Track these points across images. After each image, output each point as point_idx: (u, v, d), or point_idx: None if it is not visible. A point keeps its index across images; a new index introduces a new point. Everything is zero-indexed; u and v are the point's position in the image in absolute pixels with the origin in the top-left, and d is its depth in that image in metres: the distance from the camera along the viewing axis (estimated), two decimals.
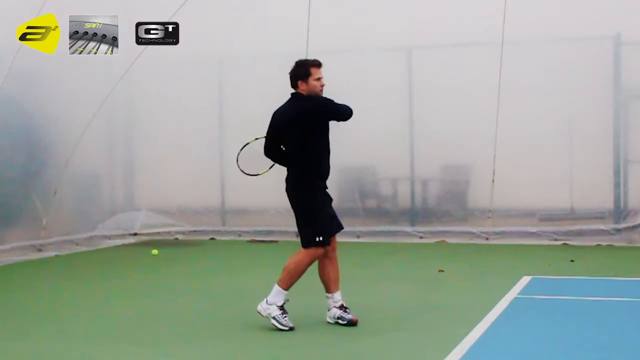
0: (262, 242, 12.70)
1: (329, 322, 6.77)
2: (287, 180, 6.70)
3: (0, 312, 7.75)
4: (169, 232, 13.73)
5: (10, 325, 7.12)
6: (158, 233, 13.65)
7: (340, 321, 6.70)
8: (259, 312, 6.64)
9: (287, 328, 6.52)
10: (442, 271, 9.44)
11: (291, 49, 12.92)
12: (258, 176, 7.10)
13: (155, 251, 11.50)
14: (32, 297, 8.46)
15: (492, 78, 12.08)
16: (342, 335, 6.48)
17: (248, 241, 12.81)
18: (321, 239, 6.48)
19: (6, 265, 10.63)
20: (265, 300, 6.64)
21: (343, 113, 6.60)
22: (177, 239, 13.54)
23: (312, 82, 6.56)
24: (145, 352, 6.16)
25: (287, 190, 6.69)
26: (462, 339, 6.12)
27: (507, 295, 7.80)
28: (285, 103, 6.73)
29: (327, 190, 6.74)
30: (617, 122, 11.97)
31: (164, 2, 12.21)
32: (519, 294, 7.95)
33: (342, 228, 6.78)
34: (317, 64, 6.58)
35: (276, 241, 12.64)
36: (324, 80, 6.64)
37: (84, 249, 12.30)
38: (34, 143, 12.00)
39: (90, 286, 9.11)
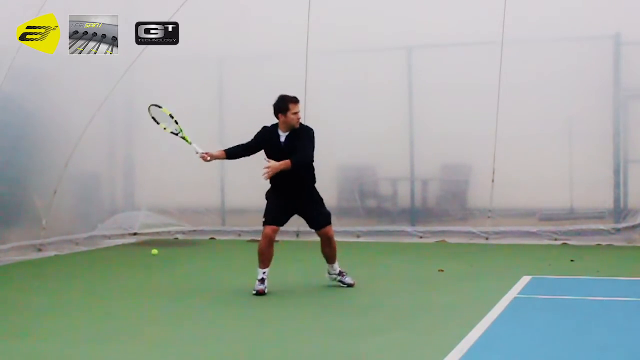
0: None
1: (329, 280, 8.52)
2: None
3: (0, 312, 7.75)
4: (169, 232, 13.72)
5: (10, 325, 7.12)
6: (158, 233, 13.65)
7: (341, 284, 8.43)
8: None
9: (255, 292, 8.02)
10: (443, 271, 9.44)
11: (291, 49, 12.99)
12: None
13: (155, 251, 11.49)
14: (32, 297, 8.46)
15: (492, 78, 12.08)
16: (342, 335, 6.48)
17: (248, 241, 12.77)
18: (264, 219, 8.16)
19: (6, 265, 10.63)
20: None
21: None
22: (177, 239, 13.54)
23: (290, 115, 7.94)
24: (146, 352, 6.16)
25: None
26: (462, 339, 6.12)
27: (507, 295, 7.80)
28: None
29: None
30: (617, 122, 11.96)
31: (164, 2, 12.22)
32: (519, 294, 7.95)
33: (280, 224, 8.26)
34: (296, 101, 7.98)
35: (277, 241, 12.60)
36: (300, 115, 8.01)
37: (84, 249, 12.30)
38: (34, 143, 11.99)
39: (90, 286, 9.12)
